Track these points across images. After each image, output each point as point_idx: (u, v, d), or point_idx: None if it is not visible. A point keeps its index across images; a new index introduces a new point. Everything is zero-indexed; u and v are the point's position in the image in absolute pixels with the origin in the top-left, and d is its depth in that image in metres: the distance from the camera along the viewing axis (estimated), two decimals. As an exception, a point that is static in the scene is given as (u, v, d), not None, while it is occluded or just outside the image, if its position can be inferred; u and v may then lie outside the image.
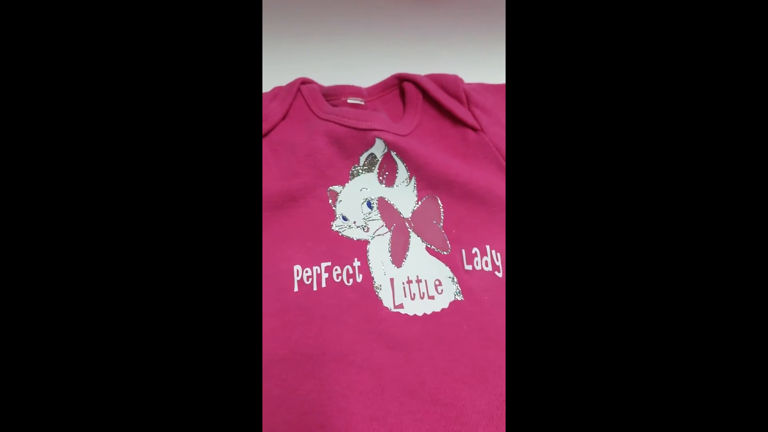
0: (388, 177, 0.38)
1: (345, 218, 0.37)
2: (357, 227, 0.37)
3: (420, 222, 0.37)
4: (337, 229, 0.36)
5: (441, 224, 0.37)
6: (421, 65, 0.42)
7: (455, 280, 0.35)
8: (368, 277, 0.35)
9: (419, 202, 0.38)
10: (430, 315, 0.33)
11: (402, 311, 0.33)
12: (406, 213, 0.37)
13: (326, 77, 0.43)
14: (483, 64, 0.44)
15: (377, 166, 0.38)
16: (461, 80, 0.41)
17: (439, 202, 0.37)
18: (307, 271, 0.35)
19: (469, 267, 0.35)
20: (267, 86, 0.42)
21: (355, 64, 0.45)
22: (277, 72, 0.43)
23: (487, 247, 0.36)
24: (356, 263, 0.35)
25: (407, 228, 0.37)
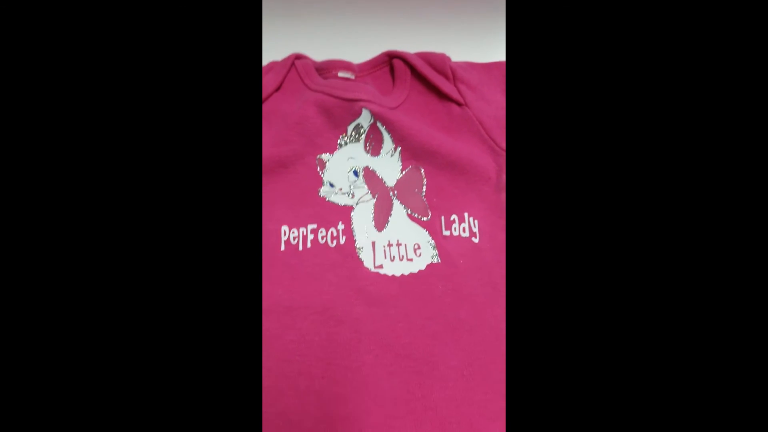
0: (374, 147, 0.40)
1: (332, 185, 0.38)
2: (343, 194, 0.38)
3: (403, 190, 0.38)
4: (323, 194, 0.38)
5: (423, 193, 0.38)
6: (410, 44, 0.44)
7: (433, 244, 0.36)
8: (351, 240, 0.36)
9: (403, 172, 0.39)
10: (408, 276, 0.35)
11: (381, 271, 0.35)
12: (390, 182, 0.39)
13: (320, 54, 0.44)
14: (470, 44, 0.46)
15: (364, 136, 0.40)
16: (448, 58, 0.42)
17: (422, 172, 0.39)
18: (293, 232, 0.36)
19: (447, 233, 0.37)
20: (264, 60, 0.43)
21: (348, 42, 0.47)
22: (273, 48, 0.44)
23: (465, 214, 0.37)
24: (340, 226, 0.37)
25: (390, 196, 0.38)
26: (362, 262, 0.36)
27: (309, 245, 0.36)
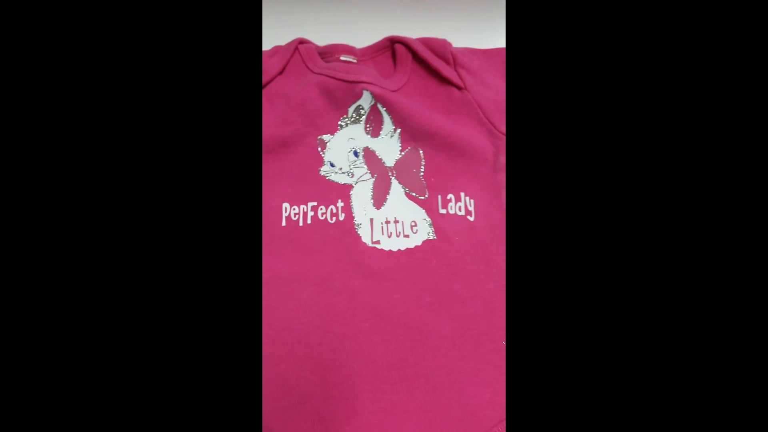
0: (374, 128, 0.41)
1: (332, 165, 0.40)
2: (343, 173, 0.39)
3: (402, 170, 0.40)
4: (324, 173, 0.39)
5: (421, 173, 0.40)
6: (412, 30, 0.45)
7: (430, 222, 0.37)
8: (350, 216, 0.38)
9: (402, 153, 0.40)
10: (404, 251, 0.36)
11: (379, 247, 0.36)
12: (390, 162, 0.40)
13: (323, 39, 0.46)
14: (471, 31, 0.47)
15: (364, 117, 0.41)
16: (449, 43, 0.43)
17: (421, 153, 0.40)
18: (294, 209, 0.38)
19: (443, 211, 0.38)
20: (267, 45, 0.45)
21: (351, 28, 0.48)
22: (277, 33, 0.45)
23: (462, 194, 0.38)
24: (340, 204, 0.38)
25: (389, 175, 0.40)
26: (360, 237, 0.37)
27: (309, 221, 0.37)
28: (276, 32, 0.46)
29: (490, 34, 0.47)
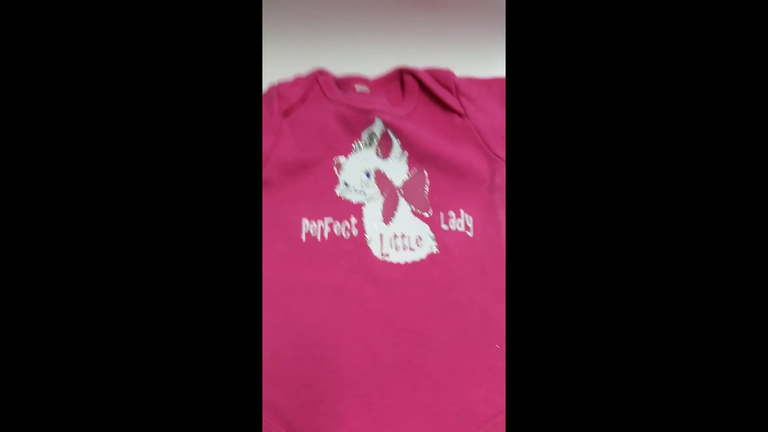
0: (384, 152, 0.45)
1: (347, 184, 0.44)
2: (356, 192, 0.44)
3: (408, 190, 0.44)
4: (339, 192, 0.44)
5: (426, 192, 0.44)
6: (419, 60, 0.49)
7: (433, 237, 0.41)
8: (362, 231, 0.42)
9: (409, 174, 0.45)
10: (411, 263, 0.40)
11: (388, 259, 0.41)
12: (398, 182, 0.44)
13: (340, 68, 0.50)
14: (472, 61, 0.51)
15: (376, 142, 0.45)
16: (452, 74, 0.48)
17: (426, 174, 0.44)
18: (312, 224, 0.42)
19: (445, 227, 0.42)
20: (288, 73, 0.50)
21: (364, 59, 0.52)
22: (297, 63, 0.50)
23: (461, 211, 0.42)
24: (353, 220, 0.42)
25: (397, 194, 0.44)
26: (371, 250, 0.41)
27: (326, 236, 0.42)
28: (296, 61, 0.51)
29: (490, 64, 0.51)
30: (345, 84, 0.49)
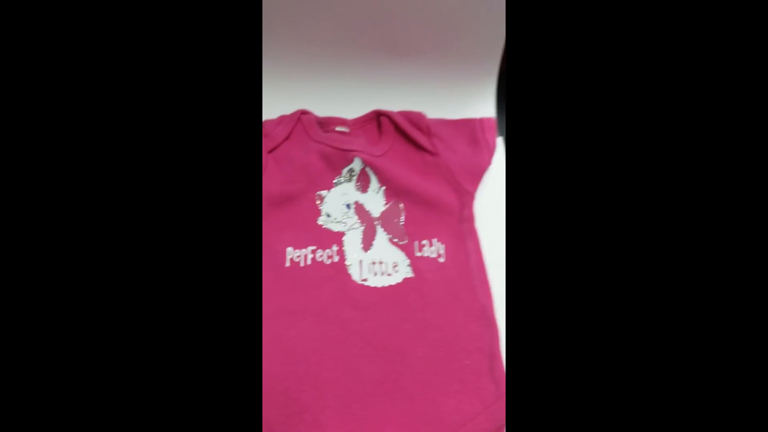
0: (362, 186, 0.50)
1: (329, 215, 0.48)
2: (337, 222, 0.48)
3: (385, 220, 0.48)
4: (321, 223, 0.48)
5: (402, 222, 0.48)
6: (394, 103, 0.55)
7: (408, 263, 0.46)
8: (342, 258, 0.46)
9: (386, 206, 0.49)
10: (387, 287, 0.44)
11: (366, 283, 0.44)
12: (376, 214, 0.49)
13: (322, 110, 0.55)
14: (442, 104, 0.57)
15: (355, 177, 0.50)
16: (424, 116, 0.54)
17: (401, 206, 0.49)
18: (297, 252, 0.46)
19: (419, 254, 0.46)
20: (274, 114, 0.54)
21: (344, 102, 0.58)
22: (282, 103, 0.55)
23: (434, 239, 0.47)
24: (334, 248, 0.46)
25: (375, 225, 0.48)
26: (351, 276, 0.45)
27: (309, 262, 0.45)
28: (281, 102, 0.56)
29: (459, 107, 0.57)
30: (326, 124, 0.54)
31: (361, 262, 0.46)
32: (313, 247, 0.46)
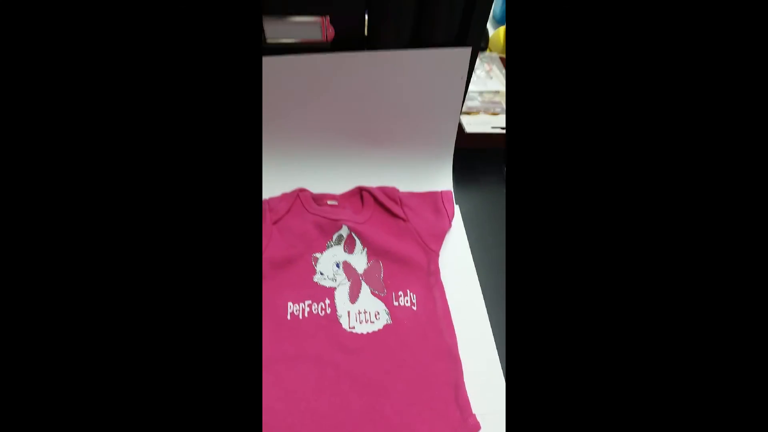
0: (349, 248, 0.61)
1: (322, 273, 0.59)
2: (329, 279, 0.58)
3: (368, 276, 0.59)
4: (316, 280, 0.58)
5: (382, 277, 0.59)
6: (373, 180, 0.68)
7: (388, 311, 0.56)
8: (334, 310, 0.55)
9: (369, 264, 0.60)
10: (371, 333, 0.54)
11: (354, 331, 0.54)
12: (360, 271, 0.59)
13: (316, 187, 0.67)
14: (411, 179, 0.70)
15: (343, 242, 0.61)
16: (397, 190, 0.66)
17: (381, 264, 0.60)
18: (296, 306, 0.55)
19: (396, 303, 0.56)
20: (278, 191, 0.66)
21: (334, 180, 0.70)
22: (284, 182, 0.67)
23: (408, 290, 0.57)
24: (327, 301, 0.56)
25: (360, 280, 0.58)
26: (341, 324, 0.54)
27: (306, 315, 0.55)
28: (283, 181, 0.68)
29: (425, 182, 0.70)
30: (320, 199, 0.66)
31: (349, 312, 0.55)
32: (309, 302, 0.56)
